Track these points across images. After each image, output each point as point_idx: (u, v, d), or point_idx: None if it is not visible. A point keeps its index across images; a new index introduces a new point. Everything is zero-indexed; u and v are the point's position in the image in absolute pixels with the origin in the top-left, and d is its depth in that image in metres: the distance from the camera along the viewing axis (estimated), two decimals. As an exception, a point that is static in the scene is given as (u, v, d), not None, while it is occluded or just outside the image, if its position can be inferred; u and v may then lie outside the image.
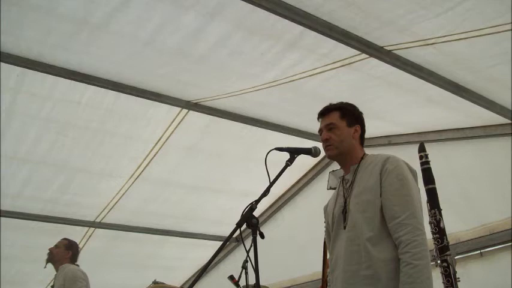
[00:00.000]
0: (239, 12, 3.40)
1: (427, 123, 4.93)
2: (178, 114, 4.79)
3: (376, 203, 2.36)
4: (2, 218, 5.41)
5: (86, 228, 6.02)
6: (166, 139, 5.04)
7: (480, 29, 3.30)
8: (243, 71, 4.12)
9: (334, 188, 2.73)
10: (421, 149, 3.08)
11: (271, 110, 4.91)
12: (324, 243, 3.48)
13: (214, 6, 3.38)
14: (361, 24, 3.45)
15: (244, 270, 3.90)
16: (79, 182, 5.33)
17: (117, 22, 3.48)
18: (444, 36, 3.44)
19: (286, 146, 2.52)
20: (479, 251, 4.54)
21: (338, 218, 2.49)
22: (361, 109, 2.65)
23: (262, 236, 2.31)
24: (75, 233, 5.68)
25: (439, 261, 2.81)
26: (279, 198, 6.41)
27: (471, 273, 4.39)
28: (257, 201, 2.35)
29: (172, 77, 4.25)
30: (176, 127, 4.92)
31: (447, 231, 2.89)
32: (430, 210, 2.93)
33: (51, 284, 4.83)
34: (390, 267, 2.27)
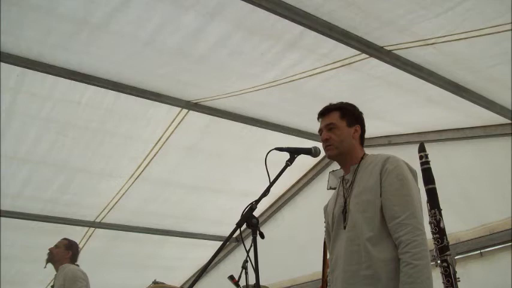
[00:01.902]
0: (239, 12, 3.40)
1: (427, 123, 4.93)
2: (178, 114, 4.79)
3: (376, 203, 2.36)
4: (2, 218, 5.41)
5: (86, 228, 6.02)
6: (166, 139, 5.04)
7: (480, 29, 3.30)
8: (243, 71, 4.12)
9: (334, 188, 2.73)
10: (421, 149, 3.08)
11: (271, 110, 4.91)
12: (324, 243, 3.48)
13: (214, 6, 3.38)
14: (361, 24, 3.45)
15: (244, 270, 3.89)
16: (79, 182, 5.33)
17: (117, 22, 3.48)
18: (444, 36, 3.44)
19: (286, 146, 2.52)
20: (479, 251, 4.54)
21: (338, 218, 2.49)
22: (361, 109, 2.65)
23: (262, 236, 2.31)
24: (75, 233, 5.68)
25: (439, 261, 2.81)
26: (279, 198, 6.40)
27: (471, 273, 4.39)
28: (257, 201, 2.35)
29: (172, 77, 4.25)
30: (176, 127, 4.92)
31: (447, 231, 2.89)
32: (430, 210, 2.93)
33: (51, 284, 4.83)
34: (390, 267, 2.27)
